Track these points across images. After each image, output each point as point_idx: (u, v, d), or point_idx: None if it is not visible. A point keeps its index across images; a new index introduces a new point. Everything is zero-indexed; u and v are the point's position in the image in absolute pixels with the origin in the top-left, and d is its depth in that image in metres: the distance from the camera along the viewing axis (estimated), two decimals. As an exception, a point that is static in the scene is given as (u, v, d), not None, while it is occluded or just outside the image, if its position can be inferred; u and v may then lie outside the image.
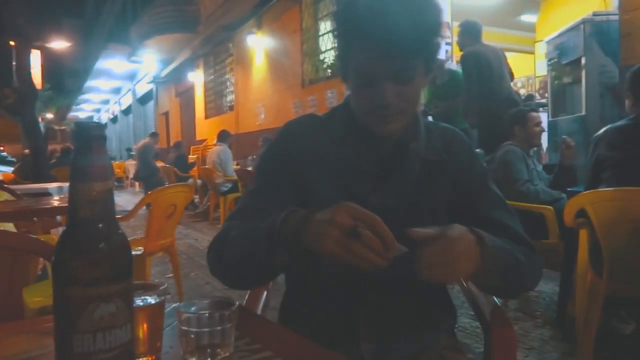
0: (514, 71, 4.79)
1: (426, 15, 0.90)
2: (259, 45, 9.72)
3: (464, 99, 4.55)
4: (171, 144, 10.47)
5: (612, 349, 2.29)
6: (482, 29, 4.59)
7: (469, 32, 4.55)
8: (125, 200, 11.09)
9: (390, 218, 0.96)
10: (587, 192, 2.10)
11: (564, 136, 3.47)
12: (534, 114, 3.28)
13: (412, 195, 1.00)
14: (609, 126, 2.36)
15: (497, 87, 4.38)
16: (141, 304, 0.68)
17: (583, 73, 4.39)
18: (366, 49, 0.91)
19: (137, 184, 13.40)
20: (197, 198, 8.18)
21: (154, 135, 10.65)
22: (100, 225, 0.52)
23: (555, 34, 4.94)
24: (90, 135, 0.52)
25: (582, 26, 4.35)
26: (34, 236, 1.47)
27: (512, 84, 4.67)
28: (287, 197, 1.00)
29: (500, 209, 1.04)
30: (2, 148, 25.43)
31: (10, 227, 2.48)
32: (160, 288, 0.72)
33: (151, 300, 0.70)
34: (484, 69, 4.36)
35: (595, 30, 4.30)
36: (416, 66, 0.93)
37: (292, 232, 0.80)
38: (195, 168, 9.59)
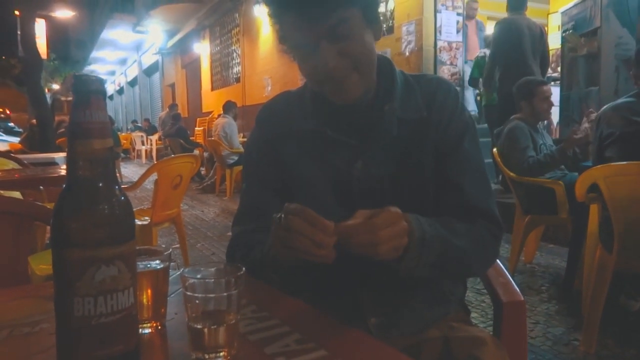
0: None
1: None
2: (266, 15, 9.54)
3: (487, 65, 4.75)
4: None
5: (619, 325, 2.29)
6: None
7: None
8: (131, 171, 11.14)
9: (376, 187, 0.94)
10: (599, 166, 2.06)
11: (590, 109, 3.35)
12: (544, 87, 3.17)
13: (396, 160, 0.94)
14: (609, 104, 2.30)
15: (522, 63, 4.39)
16: (145, 269, 0.66)
17: (599, 45, 4.27)
18: (294, 14, 0.87)
19: (144, 155, 13.65)
20: (203, 170, 8.19)
21: (172, 107, 10.97)
22: (99, 185, 0.50)
23: (571, 4, 4.80)
24: (88, 90, 0.50)
25: (599, -4, 4.21)
26: (38, 203, 1.46)
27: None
28: (277, 186, 0.99)
29: (467, 172, 0.94)
30: (9, 113, 25.56)
31: (17, 195, 2.49)
32: (165, 254, 0.70)
33: (155, 265, 0.68)
34: (514, 40, 4.43)
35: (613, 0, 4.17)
36: (349, 17, 0.86)
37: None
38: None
